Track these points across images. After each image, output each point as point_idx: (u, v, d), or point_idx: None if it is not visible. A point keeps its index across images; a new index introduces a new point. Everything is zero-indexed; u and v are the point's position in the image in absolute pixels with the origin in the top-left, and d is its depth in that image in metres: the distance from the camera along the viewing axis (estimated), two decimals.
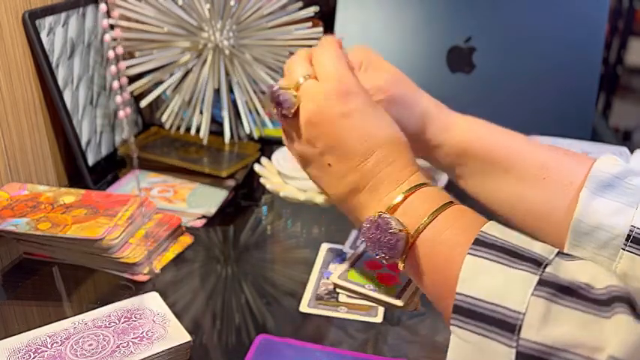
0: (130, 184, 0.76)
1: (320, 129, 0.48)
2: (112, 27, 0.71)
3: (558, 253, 0.37)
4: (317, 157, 0.49)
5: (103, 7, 0.49)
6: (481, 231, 0.38)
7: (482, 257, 0.36)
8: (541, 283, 0.34)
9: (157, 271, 0.59)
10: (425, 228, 0.41)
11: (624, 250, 0.43)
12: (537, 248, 0.37)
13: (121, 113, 0.48)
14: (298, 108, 0.49)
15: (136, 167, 0.52)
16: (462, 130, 0.57)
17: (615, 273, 0.43)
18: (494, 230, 0.38)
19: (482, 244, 0.37)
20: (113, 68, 0.47)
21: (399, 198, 0.43)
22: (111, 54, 0.47)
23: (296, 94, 0.49)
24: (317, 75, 0.50)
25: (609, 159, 0.48)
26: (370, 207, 0.46)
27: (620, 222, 0.43)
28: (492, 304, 0.35)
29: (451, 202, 0.42)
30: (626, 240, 0.43)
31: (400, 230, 0.41)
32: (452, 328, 0.36)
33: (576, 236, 0.45)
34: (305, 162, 0.51)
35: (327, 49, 0.51)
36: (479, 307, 0.35)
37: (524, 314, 0.33)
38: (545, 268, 0.35)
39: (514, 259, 0.36)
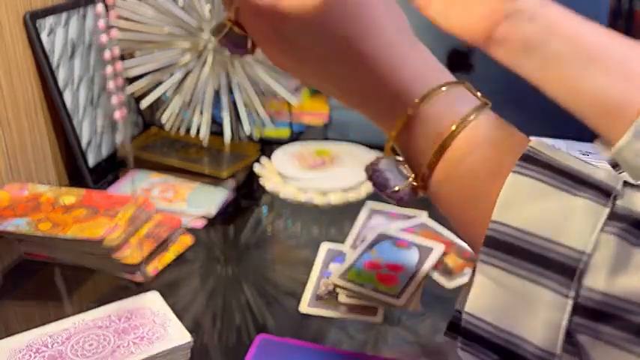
0: (129, 184, 0.76)
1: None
2: (111, 28, 0.71)
3: (625, 183, 0.29)
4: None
5: (99, 8, 0.49)
6: (530, 146, 0.30)
7: (532, 177, 0.28)
8: (612, 217, 0.27)
9: (153, 273, 0.59)
10: (459, 132, 0.32)
11: None
12: (601, 175, 0.29)
13: (117, 114, 0.49)
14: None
15: (131, 168, 0.52)
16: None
17: None
18: (545, 148, 0.30)
19: (531, 161, 0.29)
20: (109, 69, 0.47)
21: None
22: (107, 55, 0.47)
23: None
24: None
25: None
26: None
27: None
28: (543, 238, 0.27)
29: (486, 104, 0.35)
30: None
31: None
32: (480, 265, 0.29)
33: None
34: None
35: None
36: (523, 240, 0.27)
37: (589, 255, 0.26)
38: (614, 199, 0.27)
39: (573, 183, 0.28)
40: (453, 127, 0.32)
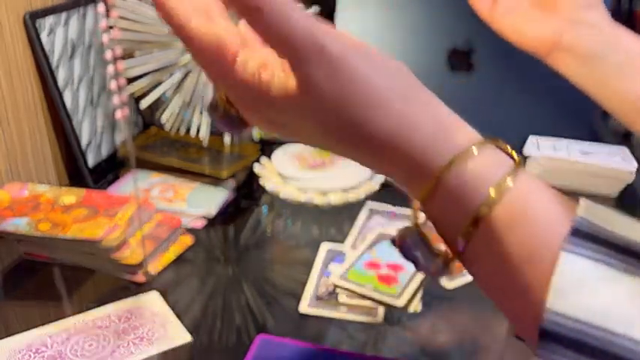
0: (129, 184, 0.76)
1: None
2: (111, 28, 0.71)
3: None
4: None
5: (99, 8, 0.49)
6: (580, 217, 0.26)
7: (587, 257, 0.25)
8: None
9: (153, 273, 0.59)
10: (496, 201, 0.28)
11: None
12: None
13: (119, 114, 0.49)
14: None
15: (133, 168, 0.52)
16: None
17: None
18: (596, 215, 0.26)
19: (584, 235, 0.26)
20: (110, 69, 0.47)
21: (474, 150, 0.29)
22: (109, 54, 0.47)
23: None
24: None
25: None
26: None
27: None
28: (612, 332, 0.24)
29: (522, 164, 0.30)
30: None
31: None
32: None
33: None
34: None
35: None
36: (587, 335, 0.24)
37: None
38: None
39: (633, 260, 0.25)
40: (492, 194, 0.28)
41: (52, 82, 0.72)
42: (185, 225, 0.67)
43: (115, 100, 0.48)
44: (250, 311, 0.54)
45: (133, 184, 0.76)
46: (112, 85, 0.47)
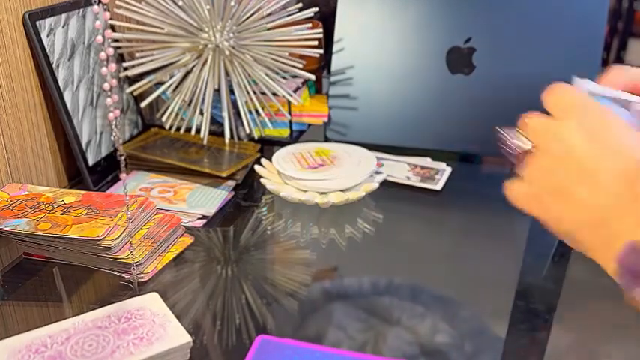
0: (130, 184, 0.76)
1: (555, 156, 0.42)
2: (112, 28, 0.71)
3: None
4: (555, 192, 0.43)
5: (95, 8, 0.49)
6: None
7: None
8: None
9: (153, 273, 0.59)
10: None
11: None
12: None
13: (111, 115, 0.48)
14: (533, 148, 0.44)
15: (124, 172, 0.52)
16: None
17: None
18: None
19: None
20: (104, 70, 0.47)
21: None
22: (103, 55, 0.47)
23: (525, 134, 0.46)
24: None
25: None
26: (624, 234, 0.38)
27: None
28: None
29: None
30: None
31: None
32: None
33: None
34: (538, 202, 0.45)
35: (555, 90, 0.46)
36: None
37: None
38: None
39: None
40: None
41: (52, 83, 0.72)
42: (185, 225, 0.67)
43: (108, 101, 0.48)
44: (250, 311, 0.54)
45: (133, 185, 0.76)
46: (105, 86, 0.47)
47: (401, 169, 0.80)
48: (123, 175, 0.52)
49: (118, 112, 0.49)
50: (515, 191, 0.46)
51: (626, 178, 0.39)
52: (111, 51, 0.48)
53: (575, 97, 0.43)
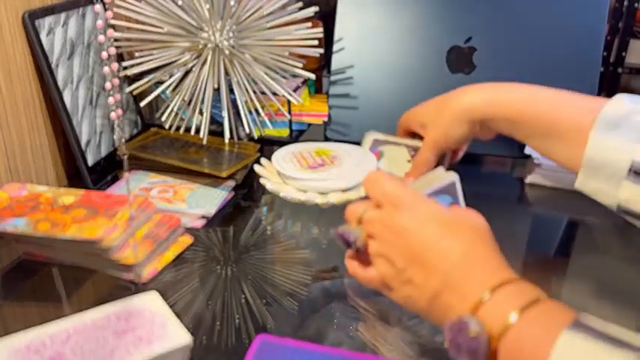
0: (130, 184, 0.76)
1: (392, 245, 0.47)
2: (112, 27, 0.71)
3: None
4: (398, 277, 0.47)
5: (97, 7, 0.49)
6: (580, 316, 0.37)
7: (580, 336, 0.35)
8: None
9: (152, 273, 0.59)
10: (508, 329, 0.38)
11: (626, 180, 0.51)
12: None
13: (113, 114, 0.48)
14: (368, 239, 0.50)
15: (126, 170, 0.52)
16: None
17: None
18: (591, 320, 0.37)
19: (580, 325, 0.36)
20: (106, 69, 0.47)
21: (486, 295, 0.41)
22: (104, 55, 0.47)
23: (359, 228, 0.51)
24: (375, 204, 0.51)
25: (617, 101, 0.54)
26: (454, 307, 0.43)
27: (623, 157, 0.51)
28: None
29: (538, 300, 0.40)
30: (628, 172, 0.51)
31: (480, 334, 0.39)
32: None
33: (588, 170, 0.54)
34: (389, 287, 0.49)
35: (373, 179, 0.52)
36: None
37: None
38: None
39: (617, 343, 0.34)
40: (497, 331, 0.38)
41: (52, 82, 0.72)
42: (184, 225, 0.67)
43: (110, 100, 0.48)
44: (250, 311, 0.54)
45: (133, 184, 0.76)
46: (107, 85, 0.47)
47: (401, 155, 0.78)
48: (126, 174, 0.52)
49: (120, 111, 0.49)
50: (367, 279, 0.51)
51: (452, 261, 0.44)
52: (113, 50, 0.48)
53: (399, 189, 0.49)
